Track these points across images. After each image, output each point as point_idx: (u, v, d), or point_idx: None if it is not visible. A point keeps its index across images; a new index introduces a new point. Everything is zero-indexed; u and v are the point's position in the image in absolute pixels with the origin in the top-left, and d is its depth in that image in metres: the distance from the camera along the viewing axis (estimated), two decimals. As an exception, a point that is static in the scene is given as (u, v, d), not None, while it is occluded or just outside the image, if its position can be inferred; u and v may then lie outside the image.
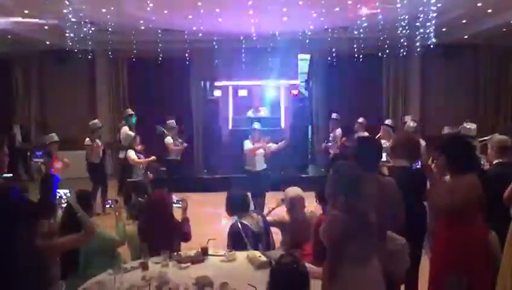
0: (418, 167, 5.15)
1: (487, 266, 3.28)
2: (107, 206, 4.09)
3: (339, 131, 9.01)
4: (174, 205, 4.20)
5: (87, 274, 3.53)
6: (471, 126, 7.25)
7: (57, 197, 3.31)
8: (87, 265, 3.74)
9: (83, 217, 3.25)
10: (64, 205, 3.82)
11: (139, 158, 7.88)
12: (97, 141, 8.50)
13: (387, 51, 10.69)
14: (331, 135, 9.22)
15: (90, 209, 3.98)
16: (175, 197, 4.30)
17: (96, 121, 8.88)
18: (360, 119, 8.95)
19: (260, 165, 7.62)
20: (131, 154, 7.85)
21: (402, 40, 9.32)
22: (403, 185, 3.44)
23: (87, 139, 8.47)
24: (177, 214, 4.26)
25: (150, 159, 8.02)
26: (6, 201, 2.67)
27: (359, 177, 2.85)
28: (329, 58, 10.45)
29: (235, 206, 4.34)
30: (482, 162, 5.12)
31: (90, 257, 3.76)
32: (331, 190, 2.87)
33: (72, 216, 3.35)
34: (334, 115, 9.48)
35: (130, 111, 9.65)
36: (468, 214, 3.26)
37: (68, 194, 3.30)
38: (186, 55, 11.00)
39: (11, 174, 4.11)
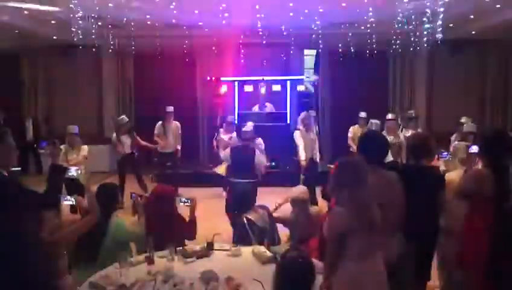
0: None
1: None
2: (131, 199, 4.09)
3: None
4: (181, 203, 4.17)
5: (105, 265, 3.47)
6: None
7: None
8: (106, 256, 3.64)
9: (91, 199, 3.24)
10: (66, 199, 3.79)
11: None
12: (122, 138, 8.24)
13: (394, 47, 10.63)
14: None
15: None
16: (183, 197, 4.27)
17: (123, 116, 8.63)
18: (374, 120, 8.50)
19: None
20: None
21: (409, 36, 9.24)
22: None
23: (114, 135, 8.35)
24: (186, 213, 4.23)
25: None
26: (11, 194, 2.68)
27: (362, 171, 2.85)
28: (335, 53, 10.40)
29: (241, 202, 4.35)
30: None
31: (112, 248, 3.66)
32: (335, 183, 2.87)
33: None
34: (229, 118, 9.09)
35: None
36: None
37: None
38: (193, 50, 10.99)
39: (20, 168, 4.08)
